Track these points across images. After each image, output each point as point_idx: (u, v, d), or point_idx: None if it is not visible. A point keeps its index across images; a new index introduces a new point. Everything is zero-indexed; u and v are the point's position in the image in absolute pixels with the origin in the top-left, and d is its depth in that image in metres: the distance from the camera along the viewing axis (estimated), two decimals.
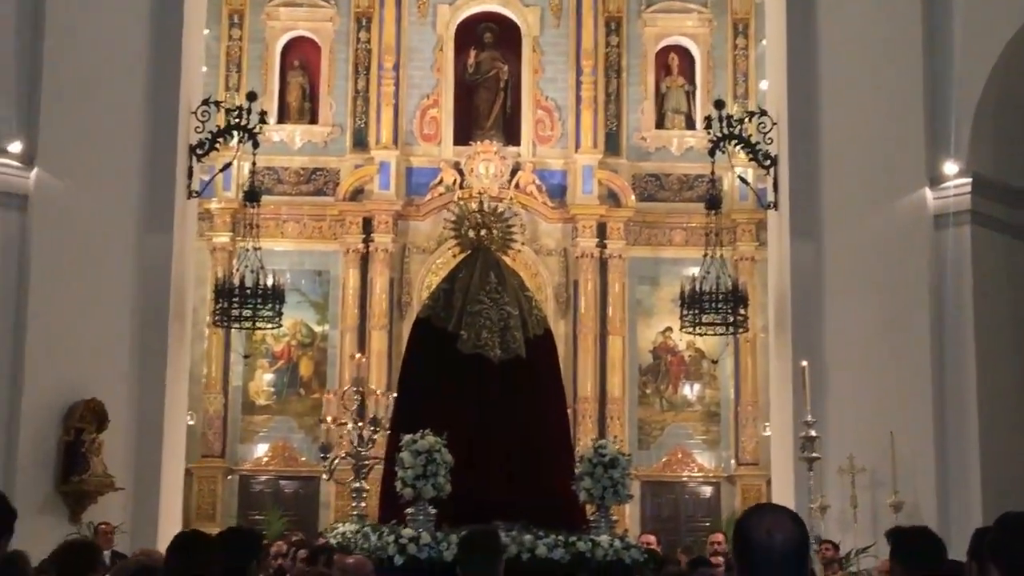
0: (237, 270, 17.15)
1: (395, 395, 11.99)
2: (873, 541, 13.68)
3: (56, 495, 13.98)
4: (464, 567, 5.59)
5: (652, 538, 12.75)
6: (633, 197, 22.50)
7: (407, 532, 8.99)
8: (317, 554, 9.00)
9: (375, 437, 13.92)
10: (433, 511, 9.19)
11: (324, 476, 14.33)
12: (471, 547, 5.69)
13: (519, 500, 9.77)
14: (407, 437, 9.23)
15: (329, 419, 13.92)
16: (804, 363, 14.37)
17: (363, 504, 13.27)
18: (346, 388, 15.27)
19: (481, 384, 10.41)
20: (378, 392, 15.18)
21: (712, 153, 16.40)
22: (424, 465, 9.06)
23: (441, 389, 10.41)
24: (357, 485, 13.43)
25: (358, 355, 17.02)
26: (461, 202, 14.28)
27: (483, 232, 11.13)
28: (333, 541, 10.82)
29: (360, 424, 14.13)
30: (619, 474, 9.66)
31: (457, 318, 10.56)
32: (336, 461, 14.21)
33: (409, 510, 9.24)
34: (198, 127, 15.90)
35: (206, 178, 17.21)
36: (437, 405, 10.22)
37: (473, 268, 10.90)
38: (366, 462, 13.78)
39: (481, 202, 12.91)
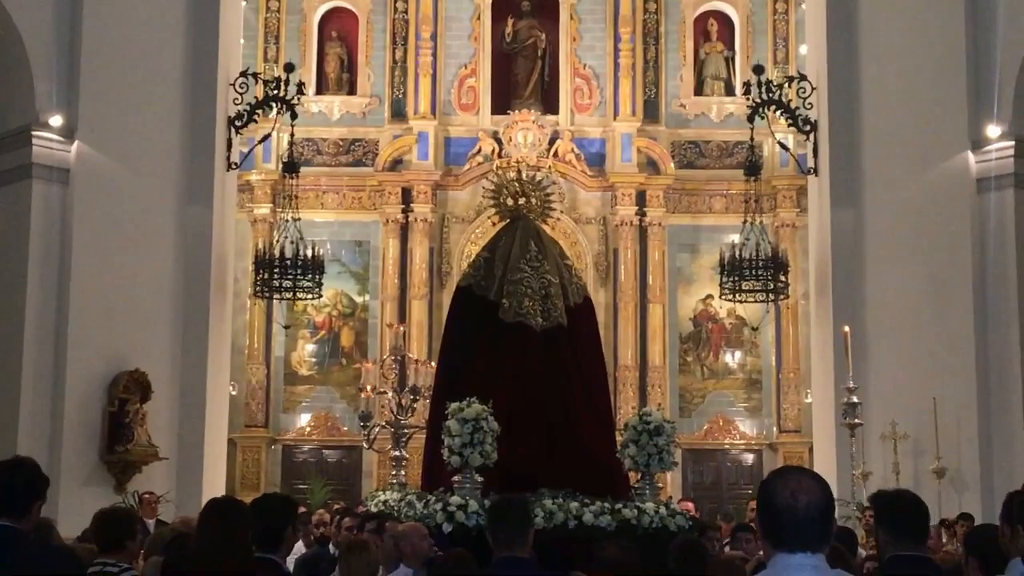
0: (277, 241, 17.22)
1: (436, 364, 12.02)
2: None
3: (101, 465, 14.16)
4: (494, 534, 5.60)
5: (690, 505, 12.76)
6: (672, 164, 22.39)
7: (455, 499, 9.03)
8: (364, 522, 9.03)
9: (415, 406, 13.97)
10: (480, 479, 9.24)
11: (364, 445, 14.36)
12: (501, 514, 5.70)
13: (563, 468, 9.83)
14: (453, 405, 9.26)
15: (368, 388, 13.94)
16: (846, 329, 14.31)
17: (403, 473, 13.35)
18: (385, 357, 15.32)
19: (523, 352, 10.44)
20: (418, 361, 15.21)
21: (751, 119, 16.32)
22: (471, 433, 9.10)
23: (483, 357, 10.45)
24: (396, 454, 13.51)
25: (396, 324, 17.01)
26: (500, 171, 14.28)
27: (522, 200, 11.15)
28: (374, 509, 10.88)
29: (399, 393, 14.19)
30: (664, 441, 9.70)
31: (498, 286, 10.59)
32: (376, 430, 14.25)
33: (456, 478, 9.28)
34: (236, 99, 15.98)
35: (245, 150, 17.32)
36: (479, 373, 10.26)
37: (513, 237, 10.92)
38: (405, 431, 13.84)
39: (519, 170, 12.92)
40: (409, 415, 13.94)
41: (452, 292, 21.63)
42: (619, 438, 10.38)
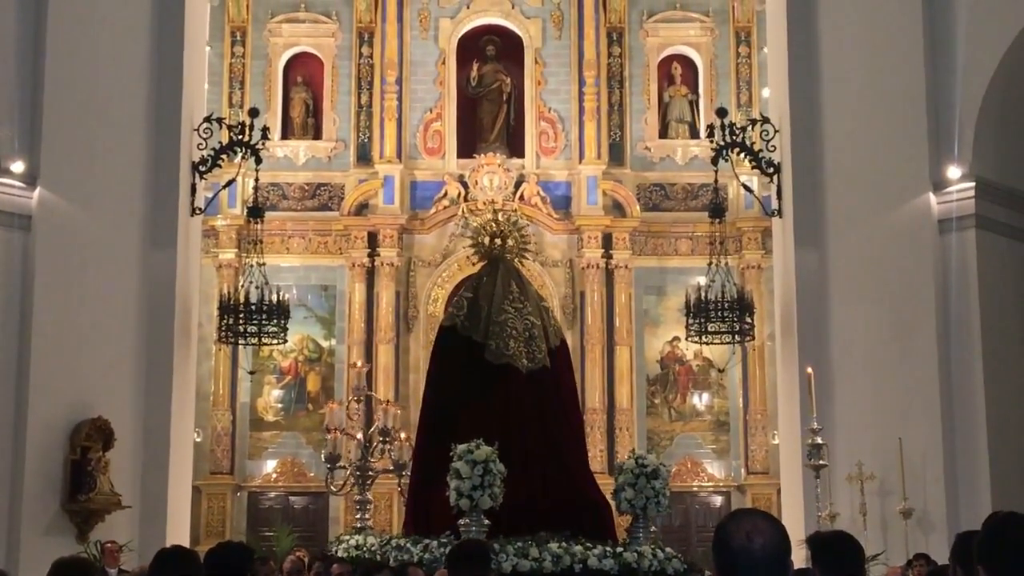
0: (242, 286, 17.16)
1: (421, 404, 11.92)
2: (883, 549, 13.65)
3: (63, 514, 13.98)
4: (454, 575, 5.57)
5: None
6: (638, 207, 22.47)
7: None
8: (372, 572, 8.73)
9: (387, 448, 13.81)
10: (487, 522, 9.19)
11: (333, 488, 14.15)
12: (461, 557, 5.67)
13: (558, 508, 9.85)
14: (460, 447, 9.22)
15: (335, 430, 13.75)
16: (809, 370, 14.34)
17: (367, 517, 13.21)
18: (350, 399, 15.19)
19: (511, 394, 10.46)
20: (387, 402, 15.07)
21: (715, 161, 16.41)
22: (481, 475, 9.06)
23: (471, 399, 10.44)
24: (359, 497, 13.36)
25: (359, 363, 16.87)
26: (473, 211, 14.29)
27: (498, 241, 11.21)
28: (343, 555, 10.73)
29: (365, 435, 14.05)
30: (660, 485, 9.79)
31: (484, 327, 10.59)
32: (347, 473, 13.96)
33: (462, 521, 9.22)
34: (201, 144, 15.95)
35: (210, 195, 17.25)
36: (468, 414, 10.23)
37: (495, 277, 10.98)
38: (371, 473, 13.69)
39: (495, 211, 12.99)
40: (380, 457, 13.78)
41: (418, 336, 21.78)
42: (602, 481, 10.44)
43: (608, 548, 9.39)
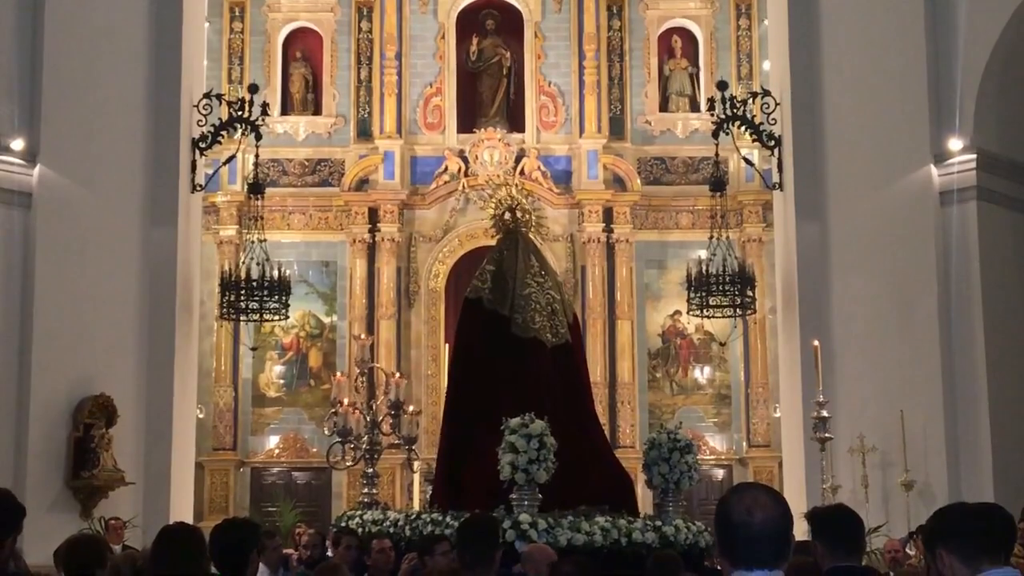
0: (243, 263, 17.14)
1: (449, 379, 11.86)
2: (885, 520, 13.69)
3: (67, 491, 14.03)
4: (462, 554, 5.56)
5: None
6: (639, 181, 22.43)
7: (524, 517, 9.00)
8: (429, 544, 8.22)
9: (397, 421, 13.72)
10: (539, 496, 9.25)
11: (347, 461, 13.89)
12: (469, 534, 5.66)
13: (590, 483, 9.89)
14: (514, 421, 9.24)
15: (345, 402, 13.51)
16: (816, 343, 14.34)
17: (375, 491, 13.17)
18: (359, 371, 15.07)
19: (538, 368, 10.49)
20: (398, 375, 14.95)
21: (716, 135, 16.38)
22: (537, 449, 9.11)
23: (500, 373, 10.44)
24: (370, 471, 13.30)
25: (363, 336, 16.78)
26: (492, 185, 14.27)
27: (519, 214, 11.24)
28: (362, 529, 10.58)
29: (372, 408, 13.96)
30: (692, 459, 9.89)
31: (510, 301, 10.61)
32: (359, 450, 13.67)
33: (514, 495, 9.26)
34: (200, 120, 15.92)
35: (210, 171, 17.24)
36: (500, 389, 10.24)
37: (516, 251, 10.98)
38: (378, 447, 13.61)
39: (509, 183, 13.03)
40: (392, 432, 13.65)
41: (419, 311, 21.79)
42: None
43: (648, 522, 9.48)
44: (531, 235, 11.62)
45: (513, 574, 6.99)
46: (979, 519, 3.88)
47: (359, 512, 11.77)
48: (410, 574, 8.18)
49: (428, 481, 17.55)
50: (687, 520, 9.88)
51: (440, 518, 9.61)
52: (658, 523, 9.56)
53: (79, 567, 5.80)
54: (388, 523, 10.45)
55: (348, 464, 14.18)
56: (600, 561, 8.26)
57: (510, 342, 10.51)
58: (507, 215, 11.29)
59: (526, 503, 9.22)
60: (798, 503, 13.65)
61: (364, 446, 13.39)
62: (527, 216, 11.39)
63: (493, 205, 11.42)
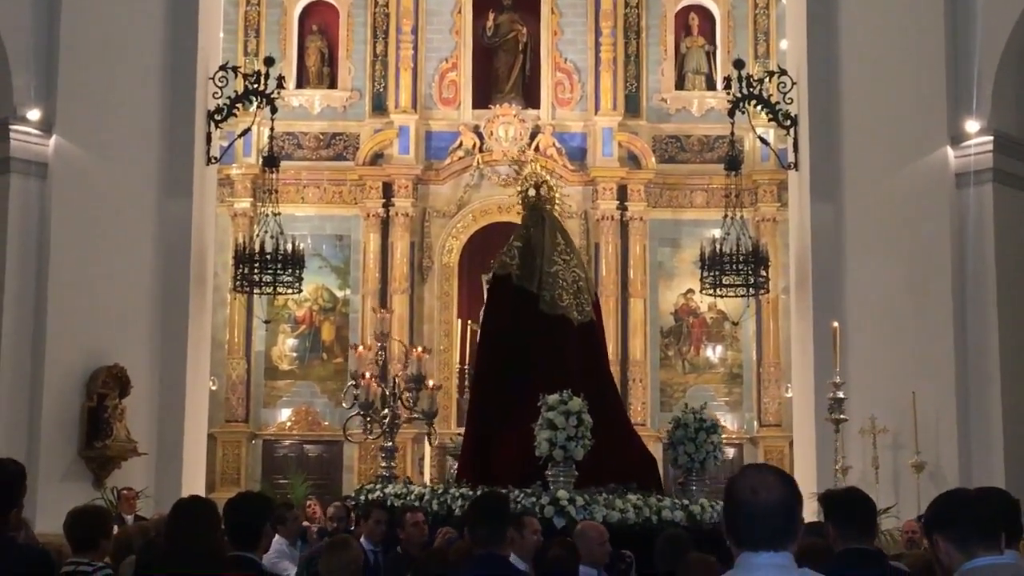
0: (257, 235, 17.14)
1: (478, 354, 11.87)
2: (895, 502, 13.69)
3: (80, 461, 14.09)
4: (473, 530, 5.59)
5: None
6: (653, 159, 22.41)
7: (562, 494, 9.01)
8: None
9: (419, 395, 13.72)
10: (575, 473, 9.28)
11: (369, 434, 13.87)
12: (481, 511, 5.68)
13: (618, 461, 9.94)
14: (552, 398, 9.27)
15: (367, 375, 13.45)
16: (835, 324, 14.31)
17: (394, 464, 13.18)
18: (379, 344, 15.04)
19: (565, 346, 10.53)
20: (421, 348, 14.92)
21: (732, 114, 16.31)
22: (576, 427, 9.14)
23: (529, 349, 10.48)
24: (389, 444, 13.32)
25: (381, 310, 16.76)
26: (519, 161, 14.30)
27: (544, 191, 11.27)
28: (388, 503, 10.51)
29: (391, 382, 13.95)
30: (718, 439, 9.95)
31: (538, 278, 10.64)
32: (379, 421, 13.62)
33: (550, 471, 9.28)
34: (216, 93, 15.90)
35: (225, 144, 17.24)
36: (529, 366, 10.28)
37: (542, 227, 11.00)
38: (398, 420, 13.62)
39: (535, 161, 13.07)
40: (413, 405, 13.60)
41: (432, 286, 21.81)
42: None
43: (676, 500, 9.52)
44: (555, 213, 11.65)
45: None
46: (974, 506, 3.92)
47: (379, 485, 11.78)
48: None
49: (443, 455, 17.62)
50: (711, 500, 9.90)
51: (470, 493, 9.57)
52: (685, 502, 9.62)
53: (84, 537, 5.88)
54: (413, 497, 10.46)
55: (366, 437, 14.18)
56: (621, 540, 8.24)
57: (539, 319, 10.55)
58: (531, 192, 11.32)
59: (562, 479, 9.25)
60: (809, 483, 13.66)
61: (385, 419, 13.39)
62: (553, 193, 11.42)
63: (521, 182, 11.44)
